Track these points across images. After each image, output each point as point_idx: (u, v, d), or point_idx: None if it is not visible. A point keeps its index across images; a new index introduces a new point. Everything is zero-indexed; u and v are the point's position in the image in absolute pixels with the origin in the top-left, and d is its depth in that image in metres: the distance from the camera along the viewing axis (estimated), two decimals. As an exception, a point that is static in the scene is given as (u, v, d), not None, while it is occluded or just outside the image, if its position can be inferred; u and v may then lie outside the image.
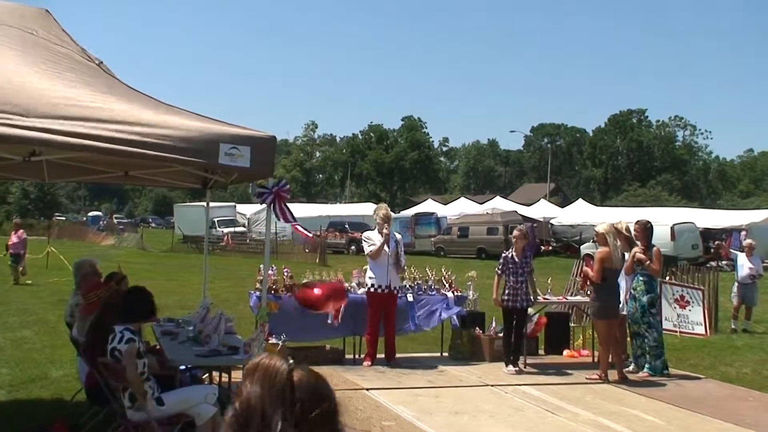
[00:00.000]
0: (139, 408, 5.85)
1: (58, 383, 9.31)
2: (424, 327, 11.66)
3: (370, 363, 10.76)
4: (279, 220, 6.39)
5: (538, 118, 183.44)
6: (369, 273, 10.97)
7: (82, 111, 5.09)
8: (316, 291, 10.61)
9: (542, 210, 51.96)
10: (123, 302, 6.32)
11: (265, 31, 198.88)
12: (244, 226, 52.74)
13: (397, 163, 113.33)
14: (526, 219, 42.63)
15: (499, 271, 10.89)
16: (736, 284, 16.17)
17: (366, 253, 11.13)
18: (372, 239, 10.94)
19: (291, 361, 2.24)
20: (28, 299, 18.36)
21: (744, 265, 16.10)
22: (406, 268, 11.50)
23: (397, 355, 11.01)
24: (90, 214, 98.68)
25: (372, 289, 10.82)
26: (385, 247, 10.76)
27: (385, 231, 10.92)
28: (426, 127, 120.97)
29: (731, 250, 21.53)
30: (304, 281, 11.14)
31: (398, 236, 11.33)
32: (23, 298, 18.68)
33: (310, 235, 8.44)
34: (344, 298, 10.83)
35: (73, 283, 8.21)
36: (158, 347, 7.56)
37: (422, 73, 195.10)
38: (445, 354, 11.81)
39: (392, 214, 11.68)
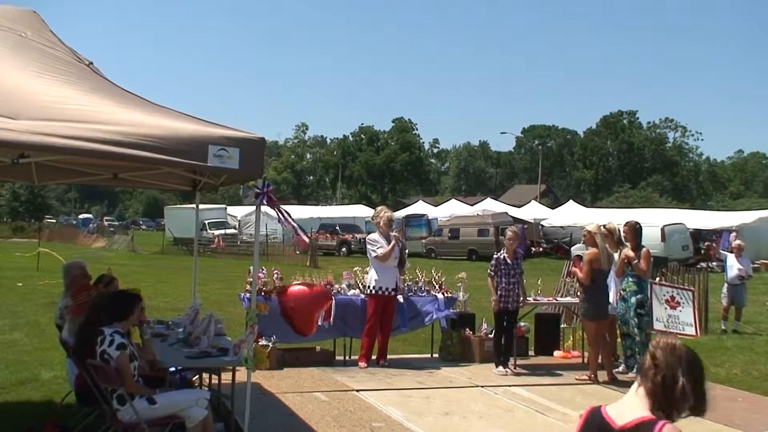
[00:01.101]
0: (129, 409, 5.84)
1: (48, 385, 9.29)
2: (415, 328, 11.66)
3: (366, 364, 10.74)
4: (273, 220, 6.36)
5: (529, 120, 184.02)
6: (373, 275, 10.90)
7: (71, 113, 5.08)
8: (301, 288, 10.49)
9: (533, 211, 51.97)
10: (106, 304, 6.32)
11: (256, 34, 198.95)
12: (234, 228, 52.65)
13: (387, 165, 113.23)
14: (516, 220, 42.65)
15: (492, 273, 10.89)
16: (725, 285, 16.21)
17: (374, 256, 10.93)
18: (379, 242, 10.91)
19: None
20: (19, 302, 18.29)
21: (733, 266, 16.14)
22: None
23: (388, 357, 11.01)
24: (80, 216, 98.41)
25: (376, 291, 10.80)
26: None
27: (394, 234, 11.02)
28: (416, 129, 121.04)
29: (720, 251, 21.59)
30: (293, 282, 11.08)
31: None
32: (14, 300, 18.62)
33: (307, 240, 8.47)
34: (328, 300, 10.81)
35: (63, 285, 8.20)
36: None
37: (412, 75, 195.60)
38: (436, 355, 11.82)
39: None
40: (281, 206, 6.21)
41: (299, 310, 10.50)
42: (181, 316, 8.77)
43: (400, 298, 11.35)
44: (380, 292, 10.79)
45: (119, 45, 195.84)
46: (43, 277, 23.73)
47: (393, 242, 10.84)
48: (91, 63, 6.84)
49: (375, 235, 11.18)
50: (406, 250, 11.24)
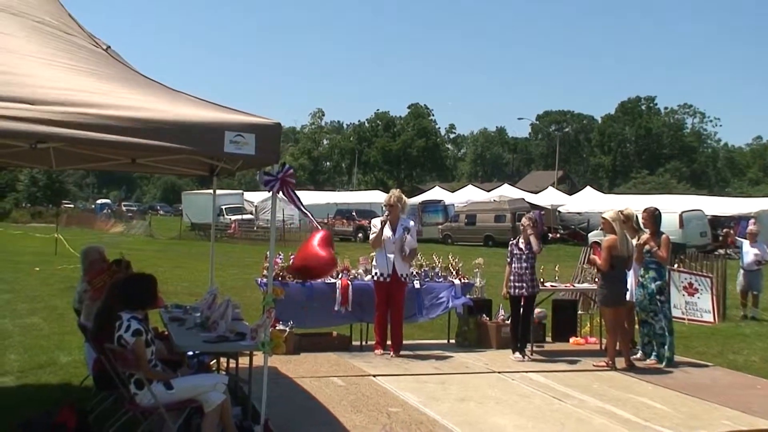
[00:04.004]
0: (147, 393, 5.87)
1: (66, 369, 9.36)
2: (431, 315, 11.61)
3: (381, 351, 10.71)
4: (290, 206, 6.38)
5: (545, 105, 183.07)
6: (374, 261, 10.91)
7: (87, 99, 5.06)
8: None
9: (550, 197, 51.89)
10: (124, 289, 6.32)
11: (273, 20, 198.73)
12: (251, 213, 52.78)
13: (404, 151, 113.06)
14: (533, 206, 42.62)
15: (509, 260, 10.83)
16: (741, 271, 16.11)
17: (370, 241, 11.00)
18: (376, 226, 10.86)
19: None
20: (37, 286, 18.43)
21: (749, 251, 16.05)
22: (414, 255, 10.90)
23: (404, 342, 10.88)
24: (98, 201, 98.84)
25: (376, 278, 10.77)
26: (390, 235, 10.62)
27: (381, 219, 10.84)
28: (433, 115, 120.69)
29: (737, 238, 21.41)
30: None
31: (410, 223, 10.91)
32: (32, 285, 18.75)
33: (319, 226, 8.26)
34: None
35: (81, 269, 8.23)
36: (166, 333, 7.58)
37: (429, 61, 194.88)
38: (452, 341, 11.80)
39: (403, 199, 11.00)
40: (293, 191, 6.22)
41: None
42: (199, 301, 8.79)
43: (416, 284, 11.31)
44: (379, 278, 10.70)
45: (135, 30, 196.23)
46: (60, 261, 23.88)
47: (377, 229, 10.69)
48: (109, 47, 6.84)
49: (375, 220, 11.13)
50: (406, 239, 10.69)
